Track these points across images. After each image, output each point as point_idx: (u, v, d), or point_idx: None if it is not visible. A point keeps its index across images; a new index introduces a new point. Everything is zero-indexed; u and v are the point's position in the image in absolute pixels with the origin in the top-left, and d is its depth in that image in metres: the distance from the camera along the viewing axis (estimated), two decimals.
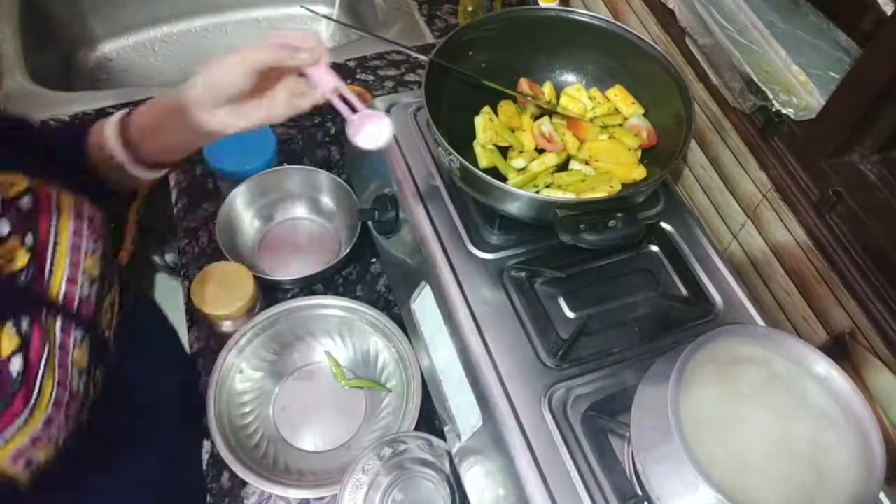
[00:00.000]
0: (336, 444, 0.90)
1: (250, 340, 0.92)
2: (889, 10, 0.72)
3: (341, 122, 1.23)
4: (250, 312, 0.94)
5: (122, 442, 0.67)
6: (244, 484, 0.84)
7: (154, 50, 1.61)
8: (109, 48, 1.58)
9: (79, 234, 0.62)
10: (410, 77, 1.31)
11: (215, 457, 0.85)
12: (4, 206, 0.55)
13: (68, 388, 0.57)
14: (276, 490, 0.81)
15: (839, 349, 0.77)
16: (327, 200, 1.12)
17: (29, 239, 0.57)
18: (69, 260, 0.60)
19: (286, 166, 1.10)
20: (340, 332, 0.96)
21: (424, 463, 0.84)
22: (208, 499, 0.85)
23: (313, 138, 1.23)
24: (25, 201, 0.58)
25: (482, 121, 0.91)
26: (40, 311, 0.56)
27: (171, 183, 1.15)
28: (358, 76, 1.30)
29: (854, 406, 0.62)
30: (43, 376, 0.54)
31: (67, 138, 0.72)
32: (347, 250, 1.01)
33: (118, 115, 0.70)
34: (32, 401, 0.52)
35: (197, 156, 1.07)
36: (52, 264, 0.58)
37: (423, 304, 0.86)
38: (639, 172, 0.87)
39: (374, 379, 0.95)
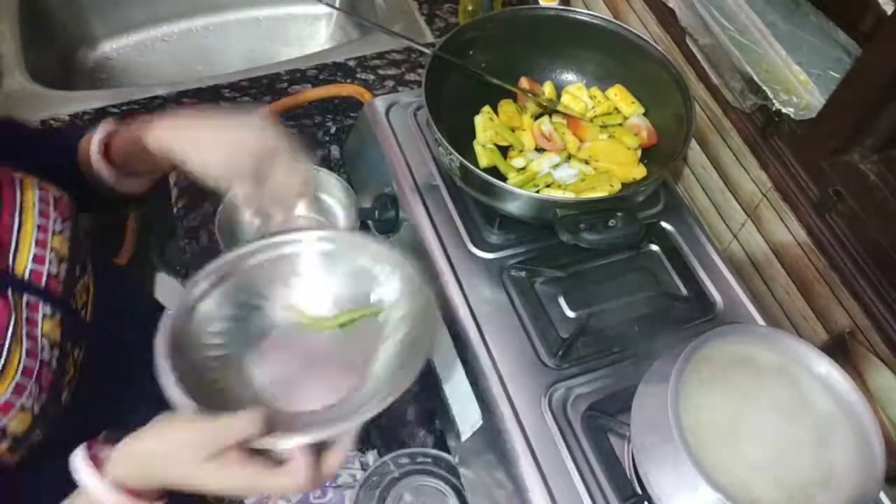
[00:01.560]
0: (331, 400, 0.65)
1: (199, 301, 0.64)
2: (889, 10, 0.72)
3: (342, 121, 1.24)
4: None
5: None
6: None
7: (154, 49, 1.61)
8: (109, 47, 1.58)
9: (45, 214, 0.64)
10: (411, 76, 1.31)
11: None
12: None
13: (39, 358, 0.58)
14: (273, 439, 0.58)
15: (839, 348, 0.77)
16: (327, 199, 1.11)
17: None
18: (35, 239, 0.62)
19: None
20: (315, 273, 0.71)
21: (437, 475, 0.84)
22: (208, 498, 0.84)
23: (314, 138, 1.22)
24: None
25: (482, 120, 0.91)
26: (5, 287, 0.57)
27: (172, 182, 1.15)
28: (358, 75, 1.30)
29: (854, 405, 0.62)
30: (10, 345, 0.56)
31: (57, 147, 0.74)
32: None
33: (99, 137, 0.71)
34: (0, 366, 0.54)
35: None
36: (17, 243, 0.60)
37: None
38: (639, 172, 0.87)
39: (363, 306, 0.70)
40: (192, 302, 0.63)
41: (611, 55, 0.94)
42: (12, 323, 0.57)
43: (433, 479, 0.85)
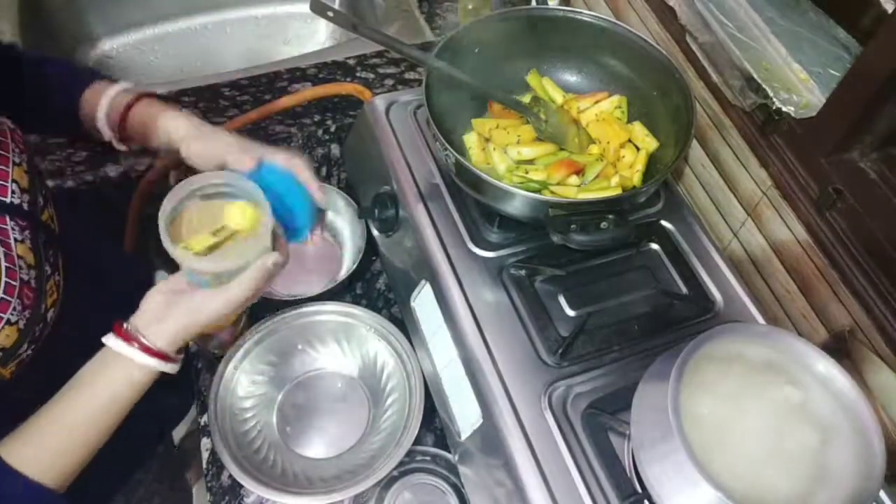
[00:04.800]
0: (342, 449, 0.89)
1: (248, 351, 0.90)
2: (890, 8, 0.72)
3: (341, 120, 1.24)
4: (236, 324, 0.91)
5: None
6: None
7: (154, 48, 1.61)
8: (109, 46, 1.58)
9: (4, 147, 0.66)
10: (410, 75, 1.31)
11: (215, 455, 0.85)
12: None
13: (18, 276, 0.62)
14: (284, 499, 0.79)
15: (839, 347, 0.77)
16: (334, 217, 1.10)
17: None
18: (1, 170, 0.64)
19: None
20: (337, 338, 0.95)
21: (436, 474, 0.85)
22: (208, 497, 0.85)
23: (314, 136, 1.22)
24: None
25: (474, 139, 0.91)
26: None
27: (172, 180, 1.15)
28: (358, 74, 1.30)
29: (854, 404, 0.62)
30: None
31: (58, 86, 0.79)
32: (354, 267, 0.99)
33: (112, 103, 0.76)
34: None
35: None
36: None
37: (423, 303, 0.86)
38: (637, 179, 0.87)
39: (375, 382, 0.93)
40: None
41: (611, 54, 0.94)
42: None
43: (433, 477, 0.85)
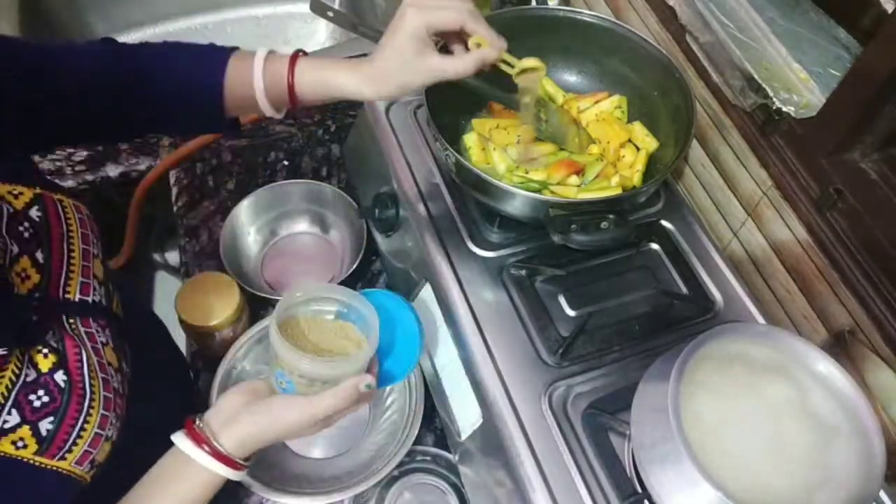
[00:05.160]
0: (341, 449, 0.89)
1: (249, 350, 0.90)
2: (890, 8, 0.72)
3: (342, 120, 1.24)
4: (237, 323, 0.91)
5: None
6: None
7: None
8: None
9: (87, 240, 0.61)
10: None
11: None
12: (14, 219, 0.54)
13: (112, 386, 0.58)
14: (284, 499, 0.79)
15: (840, 347, 0.77)
16: (330, 214, 1.11)
17: (39, 255, 0.55)
18: (81, 266, 0.59)
19: (290, 181, 1.09)
20: None
21: (436, 474, 0.85)
22: None
23: (314, 136, 1.22)
24: (34, 212, 0.56)
25: (474, 139, 0.91)
26: (63, 320, 0.55)
27: (172, 180, 1.15)
28: None
29: (854, 404, 0.62)
30: (89, 379, 0.55)
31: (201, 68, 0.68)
32: (354, 267, 0.99)
33: (270, 58, 0.67)
34: (86, 404, 0.54)
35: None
36: (67, 273, 0.57)
37: (424, 303, 0.86)
38: (637, 179, 0.87)
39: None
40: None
41: (612, 54, 0.94)
42: (84, 356, 0.55)
43: (433, 477, 0.85)
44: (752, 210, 0.89)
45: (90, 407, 0.54)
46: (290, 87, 0.67)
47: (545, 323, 0.78)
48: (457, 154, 0.77)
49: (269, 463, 0.84)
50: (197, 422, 0.59)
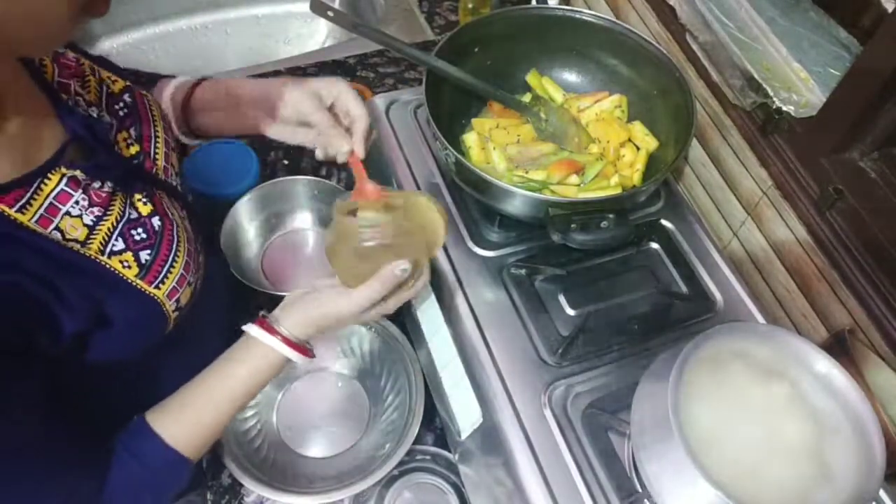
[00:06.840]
0: (342, 448, 0.89)
1: None
2: (890, 7, 0.72)
3: None
4: None
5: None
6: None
7: (154, 47, 1.61)
8: (108, 45, 1.58)
9: (167, 131, 0.71)
10: (410, 74, 1.31)
11: (215, 454, 0.85)
12: (112, 98, 0.65)
13: (192, 246, 0.67)
14: (284, 498, 0.79)
15: (839, 346, 0.77)
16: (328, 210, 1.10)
17: (133, 131, 0.65)
18: (164, 152, 0.68)
19: (290, 177, 1.08)
20: (337, 337, 0.95)
21: (436, 473, 0.85)
22: (208, 496, 0.85)
23: None
24: (127, 97, 0.66)
25: (474, 139, 0.91)
26: (154, 189, 0.65)
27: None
28: (358, 73, 1.30)
29: (854, 403, 0.62)
30: (176, 229, 0.65)
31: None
32: None
33: (183, 82, 0.76)
34: (174, 245, 0.64)
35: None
36: (154, 154, 0.67)
37: (424, 302, 0.86)
38: (637, 178, 0.87)
39: (375, 381, 0.94)
40: None
41: (612, 54, 0.94)
42: (170, 213, 0.65)
43: (433, 476, 0.85)
44: (752, 209, 0.89)
45: (177, 250, 0.64)
46: (188, 93, 0.75)
47: (545, 322, 0.78)
48: (457, 153, 0.77)
49: (269, 462, 0.84)
50: (267, 316, 0.67)
